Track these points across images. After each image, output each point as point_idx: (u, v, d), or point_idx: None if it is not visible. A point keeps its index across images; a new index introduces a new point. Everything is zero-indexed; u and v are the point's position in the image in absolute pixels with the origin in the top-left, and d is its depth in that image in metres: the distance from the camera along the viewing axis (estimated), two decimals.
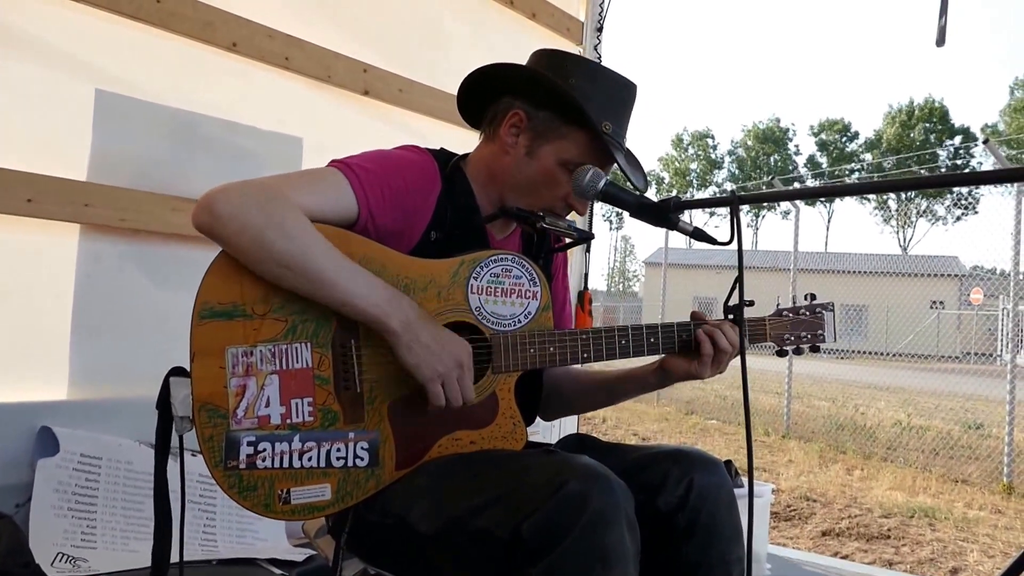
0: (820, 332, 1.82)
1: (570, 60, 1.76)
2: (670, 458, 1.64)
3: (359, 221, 1.58)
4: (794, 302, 1.84)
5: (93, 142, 2.48)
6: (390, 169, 1.64)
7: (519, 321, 1.66)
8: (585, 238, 1.83)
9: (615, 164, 1.73)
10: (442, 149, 1.78)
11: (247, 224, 1.44)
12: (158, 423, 1.58)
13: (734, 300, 1.66)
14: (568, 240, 1.91)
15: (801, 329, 1.82)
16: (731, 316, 1.71)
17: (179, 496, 1.66)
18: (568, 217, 1.80)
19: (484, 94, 1.78)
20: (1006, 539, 5.14)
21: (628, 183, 1.78)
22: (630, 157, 1.81)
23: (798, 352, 1.83)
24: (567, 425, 3.84)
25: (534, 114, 1.71)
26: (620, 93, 1.75)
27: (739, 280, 1.60)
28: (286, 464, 1.51)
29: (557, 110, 1.70)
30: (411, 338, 1.50)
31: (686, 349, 1.74)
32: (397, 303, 1.51)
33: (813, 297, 1.83)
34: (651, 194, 1.77)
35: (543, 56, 1.79)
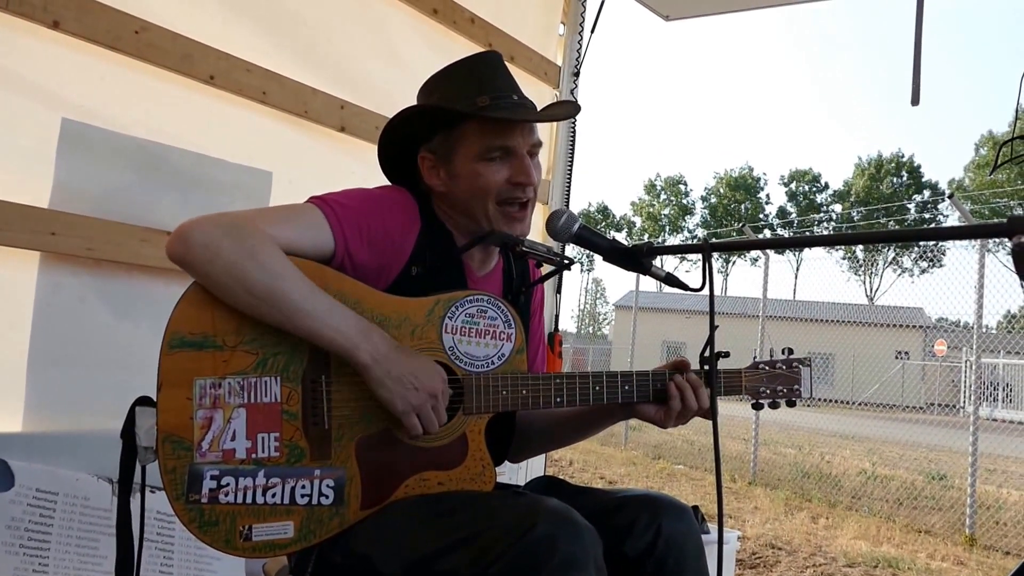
0: (796, 387, 1.82)
1: (432, 79, 1.81)
2: (639, 503, 1.63)
3: (335, 257, 1.58)
4: (771, 355, 1.83)
5: (56, 172, 2.45)
6: (369, 206, 1.64)
7: (492, 363, 1.65)
8: (563, 264, 1.84)
9: (519, 120, 1.71)
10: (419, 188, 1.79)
11: (220, 253, 1.44)
12: (122, 453, 1.55)
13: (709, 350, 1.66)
14: (547, 269, 1.91)
15: (777, 383, 1.81)
16: (706, 367, 1.70)
17: (137, 533, 1.61)
18: (545, 243, 1.80)
19: (407, 166, 1.81)
20: None
21: (549, 113, 1.83)
22: (535, 107, 1.80)
23: (774, 406, 1.82)
24: (535, 467, 3.80)
25: (433, 147, 1.75)
26: (478, 69, 1.78)
27: (712, 329, 1.61)
28: (249, 500, 1.49)
29: (442, 127, 1.73)
30: (382, 372, 1.50)
31: (659, 398, 1.74)
32: (367, 335, 1.50)
33: (790, 351, 1.83)
34: (622, 238, 1.78)
35: (418, 94, 1.84)
